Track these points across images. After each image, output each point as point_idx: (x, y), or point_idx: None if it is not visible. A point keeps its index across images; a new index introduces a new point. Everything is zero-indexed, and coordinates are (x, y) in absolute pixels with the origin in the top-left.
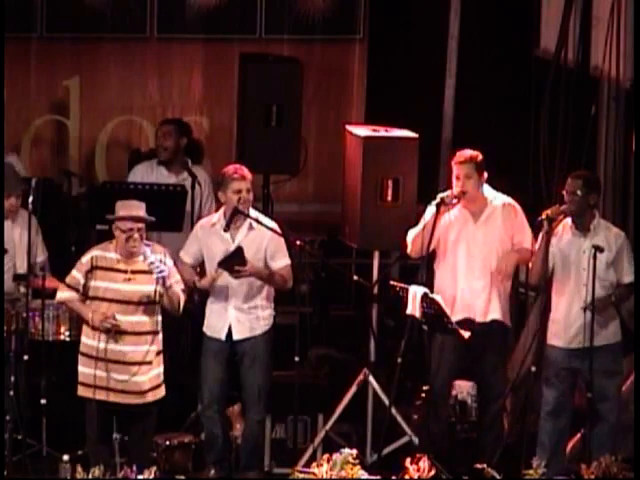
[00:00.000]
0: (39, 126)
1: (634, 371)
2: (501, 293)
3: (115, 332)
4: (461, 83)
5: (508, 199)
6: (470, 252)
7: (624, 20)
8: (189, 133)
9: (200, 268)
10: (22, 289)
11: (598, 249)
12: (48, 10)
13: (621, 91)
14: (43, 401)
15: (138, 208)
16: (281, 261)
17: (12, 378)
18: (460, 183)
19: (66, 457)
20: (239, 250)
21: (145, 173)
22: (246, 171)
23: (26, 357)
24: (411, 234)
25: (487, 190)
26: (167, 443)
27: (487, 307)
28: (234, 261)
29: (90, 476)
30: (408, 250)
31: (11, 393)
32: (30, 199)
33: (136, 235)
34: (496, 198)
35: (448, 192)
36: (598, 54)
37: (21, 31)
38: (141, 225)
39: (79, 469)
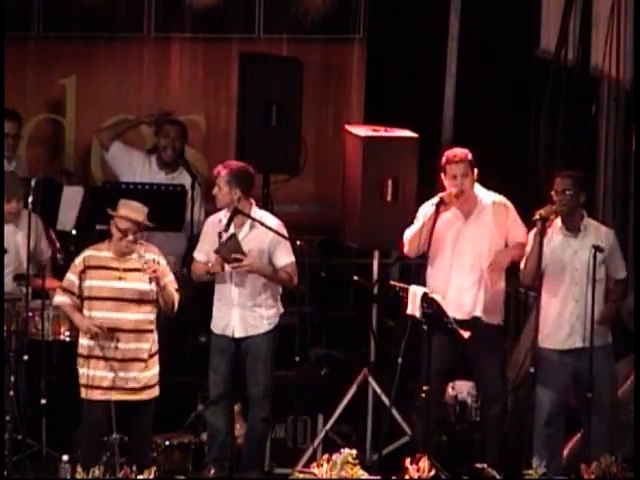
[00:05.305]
0: (35, 125)
1: (634, 371)
2: (490, 291)
3: (107, 331)
4: (461, 83)
5: (498, 197)
6: (460, 250)
7: (624, 20)
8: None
9: None
10: (22, 289)
11: (598, 249)
12: (45, 9)
13: (621, 91)
14: (43, 401)
15: (139, 212)
16: (285, 259)
17: (12, 378)
18: (458, 182)
19: (66, 457)
20: (232, 237)
21: (142, 166)
22: (251, 169)
23: (26, 357)
24: (408, 234)
25: (477, 188)
26: (167, 443)
27: (474, 305)
28: (229, 248)
29: (90, 476)
30: (405, 250)
31: (11, 393)
32: (30, 199)
33: (130, 237)
34: (486, 196)
35: (448, 192)
36: (598, 54)
37: (18, 30)
38: (136, 229)
39: (79, 469)
